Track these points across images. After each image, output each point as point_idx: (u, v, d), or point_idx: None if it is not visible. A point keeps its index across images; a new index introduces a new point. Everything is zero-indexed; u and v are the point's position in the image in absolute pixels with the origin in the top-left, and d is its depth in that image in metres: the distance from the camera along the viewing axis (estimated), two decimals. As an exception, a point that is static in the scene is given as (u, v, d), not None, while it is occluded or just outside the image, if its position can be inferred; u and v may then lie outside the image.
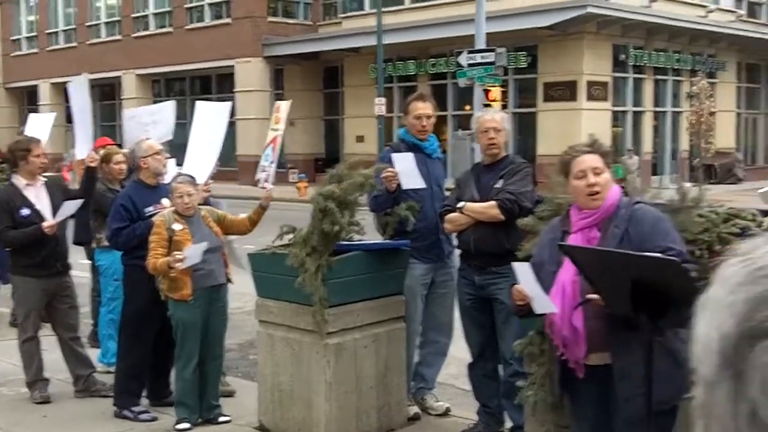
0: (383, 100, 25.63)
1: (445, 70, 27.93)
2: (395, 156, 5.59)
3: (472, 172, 5.64)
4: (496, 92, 20.59)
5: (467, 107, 26.02)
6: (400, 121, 6.29)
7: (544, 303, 3.63)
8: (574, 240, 3.78)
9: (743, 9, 32.69)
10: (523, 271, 3.73)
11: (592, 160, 3.79)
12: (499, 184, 5.33)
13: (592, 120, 25.82)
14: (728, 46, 30.57)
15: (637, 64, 27.79)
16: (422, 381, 6.02)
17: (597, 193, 3.75)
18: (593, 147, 3.87)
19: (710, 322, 0.70)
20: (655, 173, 28.57)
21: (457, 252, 5.68)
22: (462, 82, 21.34)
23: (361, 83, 30.13)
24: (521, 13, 24.68)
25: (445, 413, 5.91)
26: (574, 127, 24.91)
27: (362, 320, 5.41)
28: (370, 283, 5.44)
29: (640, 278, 3.08)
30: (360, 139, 30.03)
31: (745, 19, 32.31)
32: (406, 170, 5.50)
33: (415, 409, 5.84)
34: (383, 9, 25.80)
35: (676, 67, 29.18)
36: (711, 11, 29.66)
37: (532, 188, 5.33)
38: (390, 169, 5.49)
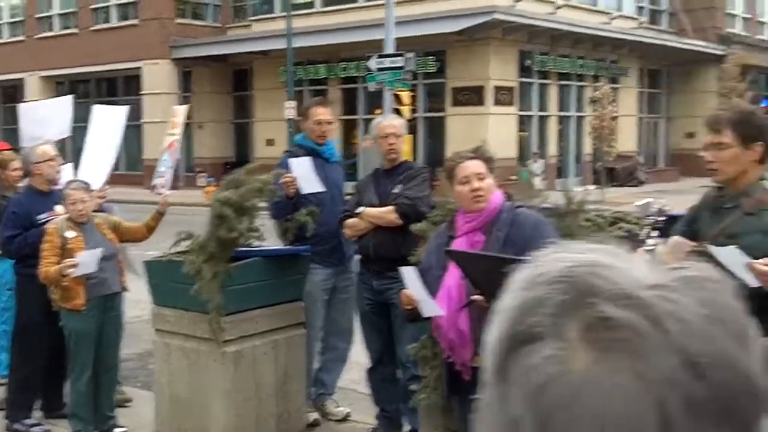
0: (294, 103, 25.53)
1: (355, 74, 28.00)
2: (292, 161, 5.58)
3: (371, 177, 5.67)
4: (405, 96, 20.76)
5: (378, 111, 26.05)
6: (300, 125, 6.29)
7: (430, 306, 3.69)
8: (459, 244, 3.85)
9: (645, 16, 33.72)
10: (409, 275, 3.79)
11: (476, 166, 3.88)
12: (397, 189, 5.37)
13: (499, 124, 26.28)
14: (630, 52, 31.45)
15: (543, 69, 28.38)
16: (322, 387, 6.02)
17: (481, 196, 3.83)
18: (477, 153, 3.95)
19: (494, 325, 0.72)
20: (560, 176, 29.20)
21: (357, 257, 5.69)
22: (372, 86, 21.46)
23: (271, 86, 29.97)
24: (430, 19, 24.90)
25: (345, 419, 5.91)
26: (482, 131, 25.25)
27: (261, 327, 5.37)
28: (269, 289, 5.41)
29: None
30: (270, 142, 29.87)
31: (647, 26, 33.32)
32: (304, 175, 5.50)
33: (314, 416, 5.83)
34: (293, 12, 25.75)
35: (579, 73, 29.89)
36: (614, 18, 30.46)
37: (429, 193, 5.39)
38: (288, 175, 5.48)
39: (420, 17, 24.86)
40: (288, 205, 5.53)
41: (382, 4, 20.65)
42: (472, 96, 26.52)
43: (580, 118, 30.23)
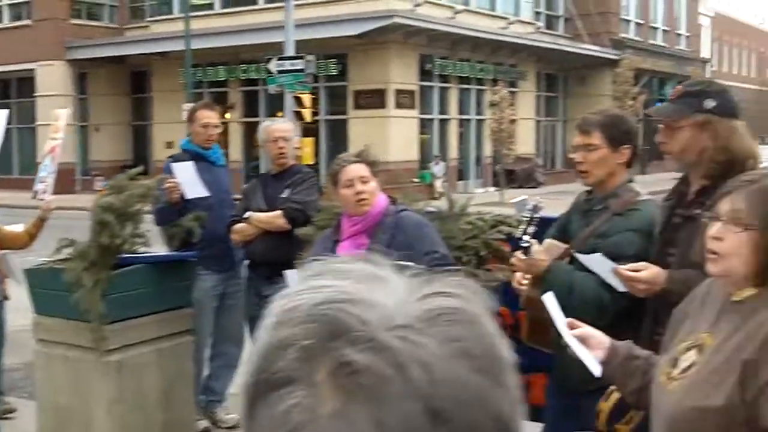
0: (191, 105, 25.19)
1: (256, 77, 27.82)
2: (175, 166, 5.51)
3: (258, 181, 5.64)
4: (306, 99, 20.71)
5: (279, 114, 25.95)
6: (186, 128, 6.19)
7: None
8: (343, 247, 3.89)
9: (542, 21, 34.46)
10: (293, 278, 3.77)
11: (359, 170, 3.92)
12: (285, 194, 5.36)
13: (401, 127, 26.48)
14: (528, 56, 32.09)
15: (443, 73, 28.71)
16: (212, 394, 5.95)
17: (365, 199, 3.86)
18: (361, 157, 3.99)
19: (247, 365, 0.70)
20: (461, 178, 29.62)
21: (246, 262, 5.65)
22: (272, 88, 21.37)
23: (170, 88, 29.50)
24: (330, 22, 24.91)
25: (236, 426, 5.86)
26: (384, 134, 25.44)
27: (146, 335, 5.27)
28: (154, 296, 5.31)
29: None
30: (169, 145, 29.29)
31: (544, 30, 34.07)
32: (188, 179, 5.43)
33: (204, 423, 5.76)
34: (192, 14, 25.40)
35: (479, 77, 30.35)
36: (512, 23, 31.03)
37: (318, 197, 5.39)
38: (171, 180, 5.40)
39: (320, 20, 24.85)
40: (172, 210, 5.45)
41: (282, 7, 20.56)
42: (373, 99, 26.64)
43: (480, 122, 30.68)
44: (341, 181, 3.92)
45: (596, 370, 2.43)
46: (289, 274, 3.87)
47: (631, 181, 3.58)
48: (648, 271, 3.04)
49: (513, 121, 26.05)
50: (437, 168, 27.69)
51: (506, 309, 4.23)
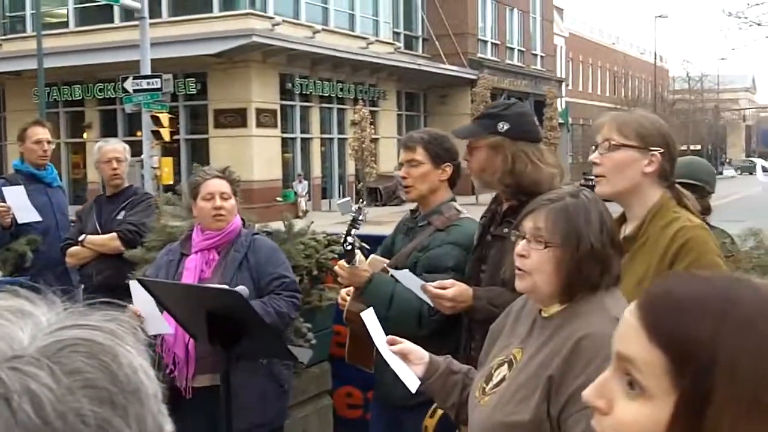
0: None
1: (113, 96, 27.24)
2: (6, 190, 5.42)
3: (93, 203, 5.59)
4: (164, 118, 20.41)
5: (138, 133, 25.52)
6: (19, 148, 6.08)
7: (158, 324, 3.60)
8: (191, 261, 3.87)
9: (400, 41, 35.05)
10: (137, 290, 3.70)
11: (221, 185, 3.93)
12: (121, 216, 5.33)
13: (263, 146, 26.44)
14: (388, 76, 32.61)
15: (304, 92, 28.86)
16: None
17: (223, 215, 3.89)
18: (223, 173, 4.00)
19: None
20: (324, 197, 29.78)
21: (81, 286, 5.59)
22: (129, 107, 20.93)
23: (24, 108, 28.48)
24: (187, 41, 24.69)
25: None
26: (246, 153, 25.36)
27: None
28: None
29: (212, 309, 3.22)
30: (23, 166, 28.38)
31: (403, 51, 34.67)
32: (19, 204, 5.35)
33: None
34: (46, 32, 24.68)
35: (340, 96, 30.64)
36: (371, 43, 31.46)
37: (154, 219, 5.38)
38: (2, 204, 5.31)
39: (178, 38, 24.60)
40: (4, 235, 5.36)
41: (137, 25, 20.26)
42: (235, 118, 26.53)
43: (342, 140, 30.95)
44: (201, 194, 3.92)
45: (413, 386, 2.43)
46: (134, 286, 3.65)
47: (453, 200, 3.74)
48: (454, 289, 3.11)
49: (374, 140, 26.37)
50: (300, 186, 27.77)
51: (342, 327, 4.25)
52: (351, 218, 3.47)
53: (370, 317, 2.66)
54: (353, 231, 3.45)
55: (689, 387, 0.93)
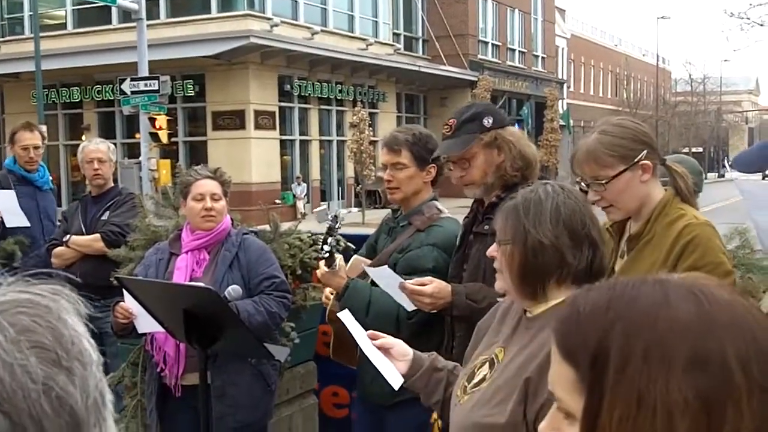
0: (44, 127, 24.38)
1: (111, 97, 27.24)
2: None
3: (78, 204, 5.57)
4: (162, 120, 20.38)
5: (137, 135, 25.51)
6: (8, 151, 6.12)
7: (149, 322, 3.56)
8: (181, 260, 3.86)
9: (400, 43, 35.01)
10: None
11: (212, 186, 3.93)
12: (105, 216, 5.32)
13: (261, 148, 26.40)
14: (387, 77, 32.56)
15: (302, 94, 28.78)
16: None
17: (212, 216, 3.88)
18: (215, 174, 3.98)
19: None
20: (323, 199, 29.73)
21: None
22: (126, 109, 20.90)
23: (23, 110, 28.45)
24: (185, 42, 24.67)
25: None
26: (244, 155, 25.33)
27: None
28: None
29: (189, 307, 3.18)
30: (21, 168, 28.37)
31: (403, 52, 34.63)
32: (8, 208, 5.38)
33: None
34: (44, 34, 24.67)
35: (339, 98, 30.59)
36: (370, 44, 31.41)
37: (139, 218, 5.34)
38: (-9, 206, 5.30)
39: (176, 40, 24.59)
40: (-8, 235, 5.35)
41: (135, 27, 20.23)
42: (233, 120, 26.48)
43: (341, 142, 30.90)
44: (191, 193, 3.91)
45: (396, 383, 2.40)
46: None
47: (435, 199, 3.69)
48: (433, 285, 3.08)
49: (373, 142, 26.33)
50: (299, 189, 27.74)
51: (329, 327, 4.25)
52: (327, 226, 3.45)
53: (347, 317, 2.64)
54: (329, 239, 3.41)
55: (588, 394, 0.93)
